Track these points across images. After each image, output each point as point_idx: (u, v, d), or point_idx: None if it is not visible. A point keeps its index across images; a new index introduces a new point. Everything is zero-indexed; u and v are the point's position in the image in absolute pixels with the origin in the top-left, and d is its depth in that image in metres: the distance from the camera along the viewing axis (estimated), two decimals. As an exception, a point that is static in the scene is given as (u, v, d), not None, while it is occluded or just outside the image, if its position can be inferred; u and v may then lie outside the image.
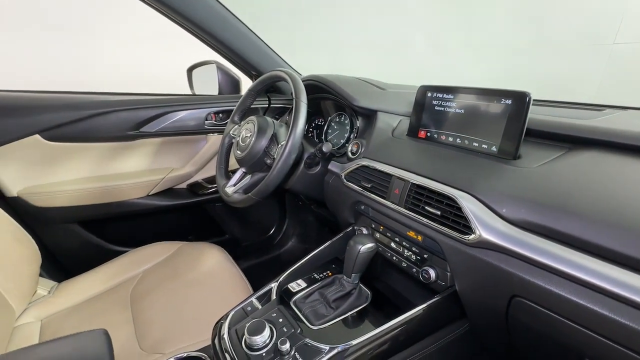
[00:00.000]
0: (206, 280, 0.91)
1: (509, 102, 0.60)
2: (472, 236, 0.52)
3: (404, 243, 0.69)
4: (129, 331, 0.78)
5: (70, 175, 1.02)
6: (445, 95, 0.70)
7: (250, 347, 0.53)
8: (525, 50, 1.71)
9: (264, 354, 0.51)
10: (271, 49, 1.23)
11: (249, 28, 1.17)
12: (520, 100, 0.58)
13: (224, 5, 1.10)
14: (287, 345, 0.51)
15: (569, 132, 0.57)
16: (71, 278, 0.97)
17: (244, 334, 0.54)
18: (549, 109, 0.70)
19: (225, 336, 0.57)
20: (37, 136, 0.93)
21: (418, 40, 1.98)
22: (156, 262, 1.00)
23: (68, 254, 1.08)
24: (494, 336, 0.60)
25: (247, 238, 1.43)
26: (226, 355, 0.54)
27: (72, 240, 1.07)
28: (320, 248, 0.78)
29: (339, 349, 0.52)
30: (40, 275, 0.92)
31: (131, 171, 1.13)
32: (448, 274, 0.60)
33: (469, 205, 0.54)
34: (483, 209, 0.53)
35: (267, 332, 0.53)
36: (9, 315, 0.76)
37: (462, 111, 0.68)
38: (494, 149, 0.62)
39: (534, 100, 0.73)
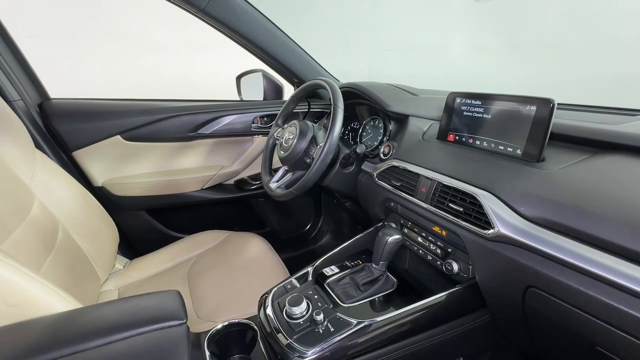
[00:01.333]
0: (251, 264, 1.03)
1: (533, 108, 0.64)
2: (491, 231, 0.57)
3: (430, 238, 0.75)
4: (188, 303, 0.92)
5: (141, 170, 1.21)
6: (473, 101, 0.75)
7: (289, 316, 0.62)
8: (577, 50, 1.62)
9: (301, 322, 0.61)
10: (311, 57, 1.34)
11: (291, 39, 1.28)
12: (544, 106, 0.62)
13: (268, 19, 1.22)
14: (321, 317, 0.60)
15: (594, 136, 0.59)
16: (140, 257, 1.14)
17: (284, 306, 0.64)
18: (584, 114, 0.72)
19: (269, 307, 0.67)
20: (118, 137, 1.12)
21: (458, 42, 1.97)
22: (208, 248, 1.15)
23: (137, 236, 1.27)
24: (513, 326, 0.63)
25: (286, 231, 1.55)
26: (270, 322, 0.64)
27: (141, 225, 1.25)
28: (353, 239, 0.86)
29: (366, 323, 0.59)
30: (118, 252, 1.11)
31: (188, 167, 1.29)
32: (470, 266, 0.65)
33: (489, 203, 0.59)
34: (502, 206, 0.58)
35: (304, 304, 0.62)
36: (96, 282, 0.94)
37: (489, 116, 0.72)
38: (518, 152, 0.66)
39: (568, 104, 0.75)
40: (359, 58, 2.34)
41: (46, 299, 0.54)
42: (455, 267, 0.67)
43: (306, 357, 0.56)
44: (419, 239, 0.79)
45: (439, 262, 0.72)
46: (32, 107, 1.02)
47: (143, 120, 1.13)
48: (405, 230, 0.83)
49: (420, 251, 0.78)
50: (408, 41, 2.15)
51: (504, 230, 0.56)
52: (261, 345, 0.67)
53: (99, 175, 1.14)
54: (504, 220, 0.56)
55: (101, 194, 1.13)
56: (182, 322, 0.52)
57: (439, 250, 0.73)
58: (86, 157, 1.11)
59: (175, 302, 0.56)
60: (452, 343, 0.67)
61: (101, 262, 0.97)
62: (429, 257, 0.75)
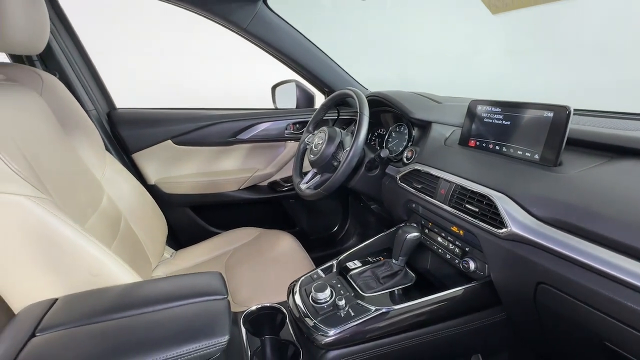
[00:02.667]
0: (281, 259, 1.12)
1: (550, 114, 0.66)
2: (504, 230, 0.61)
3: (449, 237, 0.79)
4: (225, 289, 1.03)
5: (187, 171, 1.35)
6: (493, 109, 0.79)
7: (315, 301, 0.70)
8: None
9: (325, 306, 0.68)
10: (341, 68, 1.43)
11: (322, 51, 1.38)
12: (560, 114, 0.64)
13: (301, 33, 1.33)
14: (343, 302, 0.67)
15: (610, 141, 0.61)
16: (184, 248, 1.28)
17: (310, 292, 0.71)
18: (603, 120, 0.73)
19: (297, 293, 0.75)
20: (170, 141, 1.27)
21: (491, 47, 1.96)
22: (243, 243, 1.26)
23: (182, 230, 1.41)
24: (528, 324, 0.66)
25: (315, 232, 1.63)
26: (297, 306, 0.72)
27: (185, 220, 1.40)
28: (375, 237, 0.92)
29: (383, 310, 0.65)
30: (166, 243, 1.25)
31: (227, 169, 1.42)
32: (485, 265, 0.69)
33: (502, 204, 0.63)
34: (515, 207, 0.61)
35: (328, 291, 0.69)
36: (148, 267, 1.08)
37: (509, 123, 0.75)
38: (536, 156, 0.69)
39: (587, 110, 0.77)
40: (388, 67, 2.40)
41: (117, 272, 0.66)
42: (472, 265, 0.71)
43: (328, 336, 0.63)
44: (439, 239, 0.83)
45: (457, 261, 0.76)
46: (103, 115, 1.20)
47: (190, 127, 1.28)
48: (426, 231, 0.87)
49: (440, 250, 0.82)
50: (438, 49, 2.17)
51: (516, 229, 0.59)
52: (289, 326, 0.74)
53: (153, 174, 1.30)
54: (516, 220, 0.60)
55: (154, 191, 1.28)
56: (224, 297, 0.61)
57: (457, 250, 0.77)
58: (143, 159, 1.27)
59: (219, 281, 0.66)
60: (468, 337, 0.70)
61: (153, 250, 1.11)
62: (448, 256, 0.79)
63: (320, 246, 1.65)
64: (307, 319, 0.68)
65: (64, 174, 0.77)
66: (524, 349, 0.78)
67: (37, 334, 0.50)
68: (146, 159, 1.28)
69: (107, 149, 1.09)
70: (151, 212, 1.15)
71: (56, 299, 0.59)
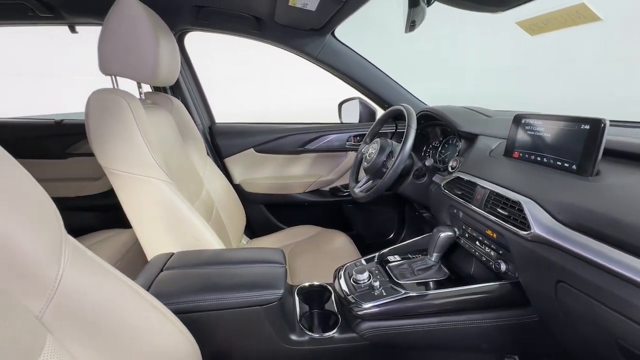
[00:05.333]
0: (335, 253, 1.28)
1: (587, 127, 0.69)
2: (528, 232, 0.66)
3: (485, 241, 0.85)
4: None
5: (263, 174, 1.63)
6: (535, 121, 0.83)
7: (355, 281, 0.83)
8: None
9: (362, 286, 0.81)
10: (400, 85, 1.55)
11: (382, 71, 1.53)
12: (596, 126, 0.67)
13: (363, 57, 1.50)
14: (378, 284, 0.79)
15: None
16: (256, 238, 1.54)
17: (352, 274, 0.85)
18: None
19: (342, 276, 0.90)
20: (252, 149, 1.56)
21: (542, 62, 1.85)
22: (304, 238, 1.46)
23: (256, 223, 1.69)
24: (556, 326, 0.68)
25: (370, 236, 1.74)
26: (341, 285, 0.87)
27: (259, 215, 1.67)
28: (418, 238, 1.01)
29: (413, 294, 0.76)
30: (244, 233, 1.53)
31: (296, 174, 1.66)
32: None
33: (529, 208, 0.68)
34: (541, 211, 0.66)
35: (366, 274, 0.83)
36: (229, 246, 1.35)
37: (549, 135, 0.79)
38: (574, 167, 0.72)
39: (628, 122, 0.77)
40: (447, 83, 2.41)
41: (212, 240, 0.91)
42: (503, 266, 0.76)
43: (362, 309, 0.76)
44: (477, 243, 0.88)
45: (490, 263, 0.81)
46: (206, 128, 1.56)
47: (269, 138, 1.55)
48: (466, 235, 0.93)
49: (476, 253, 0.87)
50: (491, 65, 2.11)
51: (539, 231, 0.64)
52: (333, 302, 0.89)
53: (238, 175, 1.61)
54: (540, 223, 0.65)
55: (237, 189, 1.59)
56: (282, 265, 0.80)
57: (492, 253, 0.82)
58: (231, 163, 1.59)
59: (280, 255, 0.85)
60: (498, 333, 0.75)
61: (234, 236, 1.38)
62: (483, 258, 0.84)
63: (374, 250, 1.75)
64: (347, 295, 0.82)
65: (181, 169, 1.08)
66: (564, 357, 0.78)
67: (164, 270, 0.76)
68: (234, 163, 1.59)
69: (208, 154, 1.42)
70: (235, 205, 1.44)
71: (173, 253, 0.86)
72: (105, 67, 0.87)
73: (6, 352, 0.33)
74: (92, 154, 0.84)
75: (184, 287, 0.70)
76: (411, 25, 0.79)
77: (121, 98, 0.82)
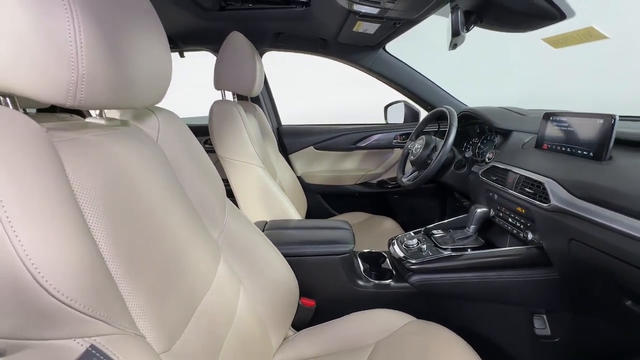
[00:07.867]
0: (385, 233, 1.51)
1: (601, 121, 0.86)
2: (548, 204, 0.85)
3: (516, 217, 1.03)
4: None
5: (320, 168, 1.91)
6: (561, 118, 1.00)
7: (406, 247, 1.07)
8: None
9: (412, 248, 1.04)
10: (442, 89, 1.75)
11: (426, 77, 1.74)
12: (608, 120, 0.84)
13: (410, 66, 1.72)
14: (425, 247, 1.02)
15: None
16: (315, 222, 1.82)
17: (403, 241, 1.08)
18: None
19: (395, 243, 1.13)
20: (312, 147, 1.85)
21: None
22: (356, 222, 1.71)
23: (314, 209, 1.97)
24: (573, 280, 0.85)
25: (413, 226, 1.94)
26: (394, 250, 1.10)
27: (316, 203, 1.95)
28: (459, 217, 1.21)
29: (453, 253, 0.97)
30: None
31: (348, 169, 1.92)
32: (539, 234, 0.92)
33: (550, 186, 0.86)
34: (559, 188, 0.84)
35: (415, 240, 1.05)
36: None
37: (572, 128, 0.96)
38: (591, 154, 0.89)
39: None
40: (487, 86, 2.52)
41: (293, 213, 1.20)
42: (530, 235, 0.94)
43: (412, 264, 0.99)
44: (509, 219, 1.07)
45: (521, 234, 1.00)
46: (275, 129, 1.87)
47: (326, 137, 1.83)
48: (500, 214, 1.12)
49: (508, 227, 1.06)
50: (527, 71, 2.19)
51: (556, 202, 0.83)
52: (388, 262, 1.13)
53: (299, 168, 1.91)
54: (558, 196, 0.83)
55: (300, 180, 1.88)
56: (349, 229, 1.06)
57: (521, 225, 1.00)
58: (295, 158, 1.89)
59: (347, 224, 1.11)
60: (525, 288, 0.93)
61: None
62: (514, 231, 1.03)
63: None
64: (400, 255, 1.05)
65: (267, 160, 1.39)
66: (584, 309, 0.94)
67: (265, 231, 1.05)
68: (297, 158, 1.89)
69: (279, 150, 1.73)
70: (299, 193, 1.73)
71: (267, 221, 1.15)
72: (219, 83, 1.20)
73: (207, 254, 0.61)
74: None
75: (285, 241, 0.98)
76: (453, 45, 1.00)
77: (233, 107, 1.14)
